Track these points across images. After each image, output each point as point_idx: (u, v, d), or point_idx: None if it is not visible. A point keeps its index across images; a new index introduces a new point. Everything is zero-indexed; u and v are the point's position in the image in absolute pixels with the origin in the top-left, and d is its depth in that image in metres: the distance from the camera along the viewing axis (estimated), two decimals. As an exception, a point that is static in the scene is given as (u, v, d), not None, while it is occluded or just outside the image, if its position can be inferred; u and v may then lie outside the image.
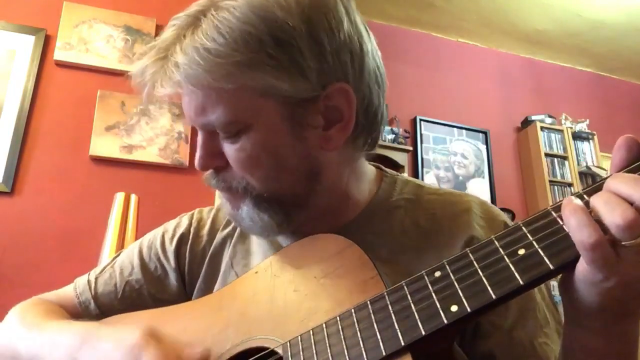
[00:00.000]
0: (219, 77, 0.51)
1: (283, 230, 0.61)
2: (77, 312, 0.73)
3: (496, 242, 0.42)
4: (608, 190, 0.37)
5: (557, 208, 0.40)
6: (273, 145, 0.55)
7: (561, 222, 0.39)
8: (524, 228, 0.41)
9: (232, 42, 0.50)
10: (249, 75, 0.51)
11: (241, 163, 0.56)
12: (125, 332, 0.54)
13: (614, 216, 0.35)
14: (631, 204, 0.35)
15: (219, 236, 0.74)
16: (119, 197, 2.08)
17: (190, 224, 0.76)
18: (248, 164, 0.56)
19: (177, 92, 0.54)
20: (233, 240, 0.73)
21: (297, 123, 0.55)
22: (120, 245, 1.97)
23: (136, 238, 2.01)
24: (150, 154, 2.43)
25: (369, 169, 0.69)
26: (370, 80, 0.58)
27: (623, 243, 0.35)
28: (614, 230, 0.35)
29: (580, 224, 0.36)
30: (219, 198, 0.67)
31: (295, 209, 0.60)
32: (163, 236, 0.76)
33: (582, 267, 0.38)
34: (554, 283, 0.53)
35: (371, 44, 0.59)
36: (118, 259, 0.77)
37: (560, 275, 0.42)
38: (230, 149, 0.56)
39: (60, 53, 2.42)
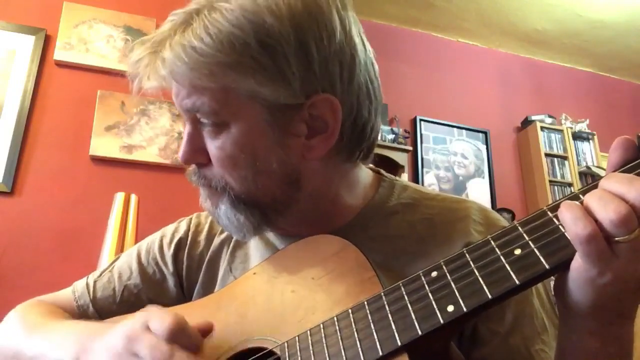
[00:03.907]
0: (202, 76, 0.52)
1: (259, 232, 0.61)
2: (75, 316, 0.73)
3: (492, 242, 0.42)
4: (602, 189, 0.37)
5: (553, 208, 0.40)
6: (252, 147, 0.55)
7: (557, 222, 0.39)
8: (520, 228, 0.41)
9: (218, 43, 0.51)
10: (232, 77, 0.52)
11: (221, 161, 0.57)
12: (126, 322, 0.52)
13: (607, 211, 0.35)
14: (626, 202, 0.35)
15: (217, 241, 0.74)
16: (119, 197, 2.09)
17: (188, 229, 0.77)
18: (227, 163, 0.56)
19: (162, 85, 0.55)
20: (231, 245, 0.73)
21: (280, 128, 0.55)
22: (120, 245, 1.98)
23: (136, 238, 2.03)
24: (150, 154, 2.43)
25: (366, 174, 0.68)
26: (360, 93, 0.57)
27: (617, 239, 0.35)
28: (608, 226, 0.35)
29: (575, 217, 0.36)
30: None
31: (274, 213, 0.60)
32: (161, 241, 0.77)
33: (577, 264, 0.38)
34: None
35: (366, 57, 0.58)
36: (116, 263, 0.77)
37: (555, 276, 0.42)
38: (212, 146, 0.57)
39: (60, 53, 2.43)
